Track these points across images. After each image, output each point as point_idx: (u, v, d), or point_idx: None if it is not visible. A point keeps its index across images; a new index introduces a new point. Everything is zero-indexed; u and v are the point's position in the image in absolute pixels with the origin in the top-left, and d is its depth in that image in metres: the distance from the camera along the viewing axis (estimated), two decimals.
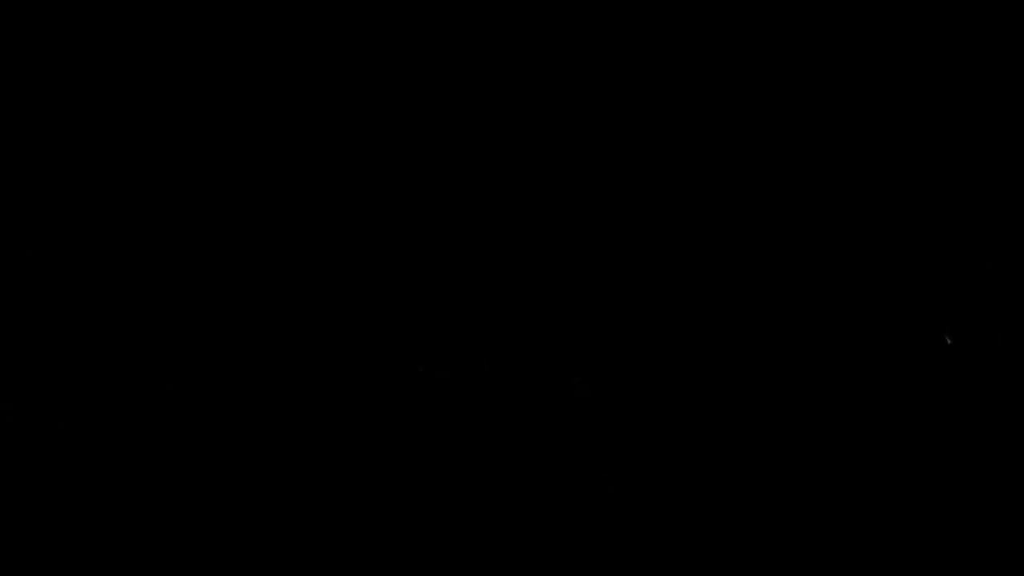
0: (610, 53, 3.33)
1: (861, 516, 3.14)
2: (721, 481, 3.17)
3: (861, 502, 3.14)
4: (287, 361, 3.20)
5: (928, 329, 3.23)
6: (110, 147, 3.26)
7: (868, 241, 3.27)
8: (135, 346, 3.18)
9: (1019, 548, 3.09)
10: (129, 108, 3.27)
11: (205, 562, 3.07)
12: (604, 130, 3.32)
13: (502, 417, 3.20)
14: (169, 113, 3.28)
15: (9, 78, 3.24)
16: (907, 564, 3.10)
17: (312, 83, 3.30)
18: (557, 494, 3.16)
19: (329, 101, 3.30)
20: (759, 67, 3.33)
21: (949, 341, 2.83)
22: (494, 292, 3.26)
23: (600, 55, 3.32)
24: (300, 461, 3.15)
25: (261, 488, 3.13)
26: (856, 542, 3.12)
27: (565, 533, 3.13)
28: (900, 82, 3.32)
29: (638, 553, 3.12)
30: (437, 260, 3.27)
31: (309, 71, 3.30)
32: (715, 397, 3.22)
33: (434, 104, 3.31)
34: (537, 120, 3.32)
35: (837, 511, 3.14)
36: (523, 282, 3.27)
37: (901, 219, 3.28)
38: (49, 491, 3.08)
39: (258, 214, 3.26)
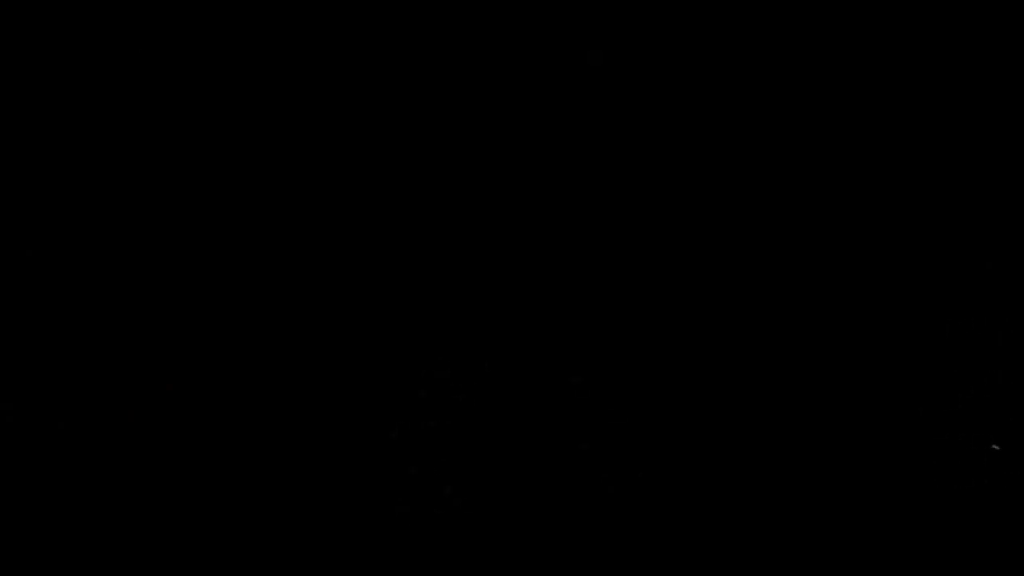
0: (610, 54, 3.33)
1: (860, 515, 3.14)
2: (721, 481, 3.17)
3: (861, 501, 3.15)
4: (287, 361, 3.20)
5: (928, 329, 3.23)
6: (110, 148, 3.26)
7: (867, 241, 3.27)
8: (135, 346, 3.18)
9: (1019, 548, 3.09)
10: (129, 109, 3.28)
11: (205, 562, 3.07)
12: (603, 133, 3.32)
13: (502, 417, 3.20)
14: (169, 114, 3.28)
15: (9, 78, 3.25)
16: (907, 564, 3.10)
17: (312, 84, 3.30)
18: (557, 494, 3.16)
19: (329, 102, 3.31)
20: (758, 68, 3.33)
21: (996, 447, 2.87)
22: (494, 293, 3.27)
23: (599, 56, 3.33)
24: (300, 460, 3.15)
25: (261, 488, 3.13)
26: (855, 541, 3.12)
27: (565, 533, 3.13)
28: (900, 83, 3.32)
29: (638, 553, 3.13)
30: (437, 261, 3.28)
31: (309, 72, 3.31)
32: (714, 397, 3.22)
33: (431, 107, 3.32)
34: (535, 122, 3.32)
35: (837, 510, 3.14)
36: (522, 282, 3.28)
37: (901, 220, 3.28)
38: (49, 491, 3.08)
39: (258, 215, 3.27)
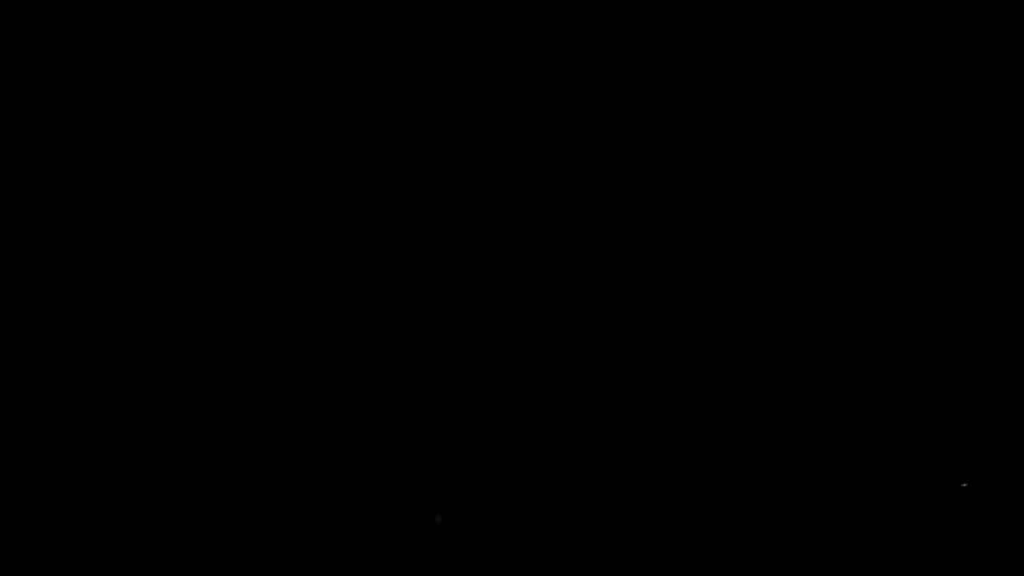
0: (606, 53, 3.33)
1: (861, 516, 3.14)
2: (721, 481, 3.17)
3: (861, 503, 3.14)
4: (287, 361, 3.20)
5: (928, 329, 3.23)
6: (108, 146, 3.26)
7: (867, 240, 3.27)
8: (135, 346, 3.18)
9: (1019, 548, 3.09)
10: (128, 107, 3.27)
11: (205, 562, 3.07)
12: (601, 132, 3.32)
13: (502, 417, 3.20)
14: (168, 112, 3.28)
15: (8, 77, 3.24)
16: (907, 564, 3.10)
17: (312, 83, 3.30)
18: (557, 494, 3.16)
19: (328, 101, 3.30)
20: (757, 68, 3.33)
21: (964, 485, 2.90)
22: (494, 293, 3.26)
23: (596, 56, 3.32)
24: (300, 461, 3.15)
25: (261, 488, 3.13)
26: (856, 542, 3.12)
27: (565, 533, 3.13)
28: (899, 82, 3.32)
29: (638, 554, 3.12)
30: (437, 261, 3.27)
31: (309, 71, 3.30)
32: (714, 397, 3.22)
33: (431, 105, 3.31)
34: (533, 121, 3.32)
35: (837, 510, 3.14)
36: (522, 282, 3.27)
37: (901, 220, 3.28)
38: (49, 491, 3.08)
39: (259, 215, 3.26)
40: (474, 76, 3.31)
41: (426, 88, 3.31)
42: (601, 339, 3.25)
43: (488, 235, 3.29)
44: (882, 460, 3.17)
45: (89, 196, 3.23)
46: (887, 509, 3.14)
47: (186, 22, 3.28)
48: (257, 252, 3.25)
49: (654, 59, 3.32)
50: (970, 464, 3.15)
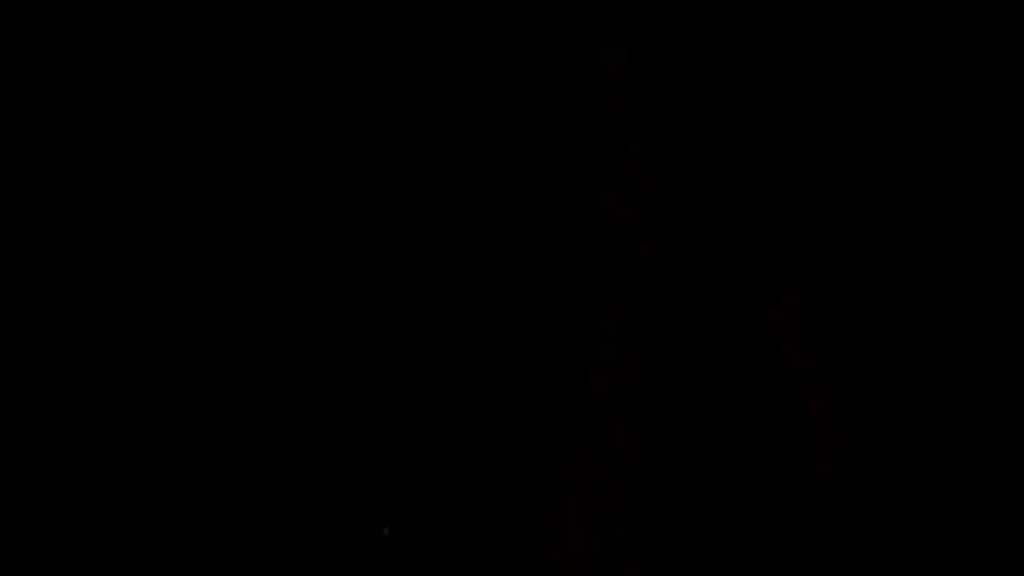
0: (606, 53, 3.33)
1: (859, 516, 3.14)
2: (721, 481, 3.17)
3: (859, 502, 3.15)
4: (287, 361, 3.21)
5: (928, 329, 3.23)
6: (107, 146, 3.26)
7: (867, 240, 3.28)
8: (135, 346, 3.18)
9: (1019, 550, 3.09)
10: (128, 107, 3.28)
11: (205, 562, 3.07)
12: (601, 132, 3.32)
13: (502, 417, 3.20)
14: (169, 113, 3.28)
15: (8, 77, 3.25)
16: (906, 565, 3.10)
17: (311, 83, 3.31)
18: (556, 494, 3.16)
19: (328, 101, 3.31)
20: (757, 67, 3.33)
21: None
22: (494, 293, 3.27)
23: (596, 56, 3.33)
24: (300, 461, 3.15)
25: (261, 488, 3.13)
26: (854, 542, 3.12)
27: (565, 533, 3.13)
28: (899, 82, 3.32)
29: (638, 554, 3.13)
30: (437, 261, 3.28)
31: (308, 70, 3.31)
32: (709, 396, 3.22)
33: (430, 105, 3.32)
34: (533, 121, 3.32)
35: (835, 510, 3.14)
36: (522, 282, 3.28)
37: (900, 219, 3.29)
38: (49, 491, 3.08)
39: (258, 215, 3.27)
40: (474, 76, 3.31)
41: (425, 88, 3.31)
42: (602, 339, 3.25)
43: (488, 235, 3.29)
44: (880, 460, 3.17)
45: (89, 195, 3.23)
46: (887, 509, 3.14)
47: (186, 21, 3.28)
48: (257, 252, 3.25)
49: (654, 59, 3.33)
50: (969, 464, 3.16)
